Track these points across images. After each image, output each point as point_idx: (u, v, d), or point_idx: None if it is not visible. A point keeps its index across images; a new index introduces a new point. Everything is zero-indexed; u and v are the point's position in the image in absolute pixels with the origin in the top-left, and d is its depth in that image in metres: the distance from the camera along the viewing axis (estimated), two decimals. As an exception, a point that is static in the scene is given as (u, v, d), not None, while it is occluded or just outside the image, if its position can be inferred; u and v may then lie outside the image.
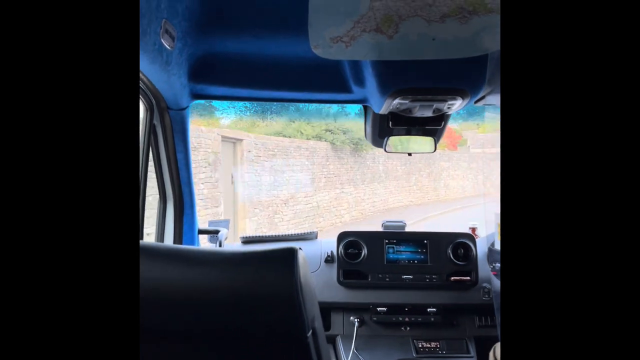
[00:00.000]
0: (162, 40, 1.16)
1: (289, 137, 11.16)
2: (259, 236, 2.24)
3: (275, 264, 0.75)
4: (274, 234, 2.34)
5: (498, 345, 1.46)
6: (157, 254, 0.78)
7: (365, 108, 1.93)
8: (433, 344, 1.91)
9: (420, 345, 1.90)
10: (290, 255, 0.74)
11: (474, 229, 2.26)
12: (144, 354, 0.75)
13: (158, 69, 1.27)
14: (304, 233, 2.25)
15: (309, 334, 0.76)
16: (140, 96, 1.50)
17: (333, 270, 2.01)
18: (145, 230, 1.68)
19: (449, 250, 1.98)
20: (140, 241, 0.82)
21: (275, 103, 2.05)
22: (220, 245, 1.92)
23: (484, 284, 1.96)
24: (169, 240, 1.85)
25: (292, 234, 2.25)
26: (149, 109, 1.57)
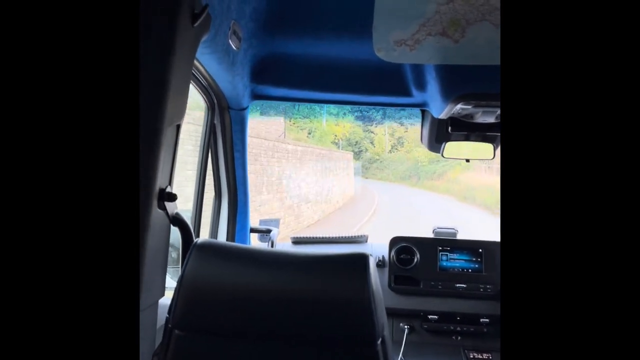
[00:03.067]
0: (230, 41, 1.18)
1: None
2: (310, 237, 2.25)
3: (348, 269, 0.75)
4: (323, 235, 2.34)
5: None
6: (230, 253, 0.79)
7: (423, 112, 1.90)
8: (485, 355, 1.86)
9: (471, 356, 1.86)
10: (362, 261, 0.74)
11: None
12: (217, 352, 0.76)
13: (224, 69, 1.29)
14: (355, 236, 2.24)
15: (379, 341, 0.75)
16: (203, 95, 1.53)
17: (384, 275, 1.99)
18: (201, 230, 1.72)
19: None
20: (213, 240, 0.83)
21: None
22: (272, 245, 1.93)
23: None
24: (222, 238, 1.88)
25: (343, 237, 2.25)
26: (211, 108, 1.60)
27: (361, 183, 21.55)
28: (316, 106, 1.88)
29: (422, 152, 24.05)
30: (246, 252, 0.80)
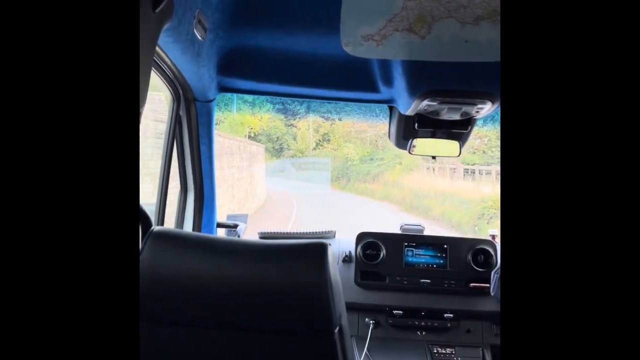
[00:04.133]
0: (195, 30, 1.16)
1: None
2: (277, 232, 2.24)
3: (305, 257, 0.75)
4: (291, 231, 2.33)
5: None
6: (188, 242, 0.78)
7: (391, 109, 1.91)
8: (448, 350, 1.89)
9: (435, 351, 1.88)
10: (321, 250, 0.74)
11: (494, 236, 2.23)
12: (172, 342, 0.75)
13: (188, 59, 1.27)
14: (322, 231, 2.24)
15: (336, 330, 0.75)
16: (168, 86, 1.50)
17: (350, 271, 2.00)
18: (165, 222, 1.69)
19: (469, 256, 1.96)
20: (171, 229, 0.82)
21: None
22: None
23: None
24: None
25: (310, 232, 2.25)
26: (176, 99, 1.57)
27: (282, 184, 18.53)
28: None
29: (352, 149, 21.80)
30: (203, 241, 0.79)
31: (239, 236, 1.97)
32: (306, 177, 19.81)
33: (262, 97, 1.98)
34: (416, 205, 14.62)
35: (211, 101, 1.68)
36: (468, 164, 16.24)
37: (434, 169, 16.98)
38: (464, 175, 16.10)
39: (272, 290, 0.73)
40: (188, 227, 1.85)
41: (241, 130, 19.57)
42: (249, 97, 2.02)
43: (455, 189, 14.29)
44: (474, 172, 15.90)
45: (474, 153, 16.80)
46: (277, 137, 24.11)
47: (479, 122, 2.03)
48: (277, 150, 23.64)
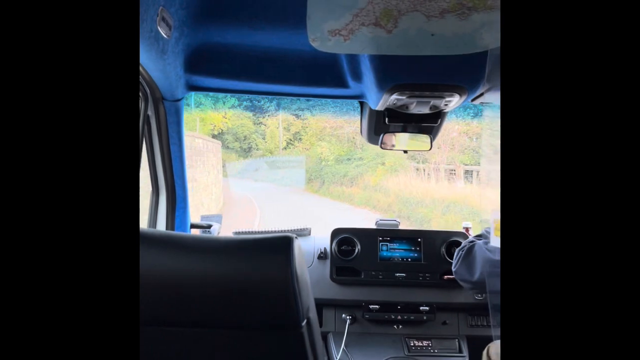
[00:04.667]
0: (159, 28, 1.14)
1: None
2: (252, 231, 2.23)
3: (271, 251, 0.74)
4: (267, 229, 2.32)
5: (492, 345, 1.45)
6: (152, 240, 0.77)
7: (362, 104, 1.92)
8: (425, 343, 1.90)
9: (412, 344, 1.89)
10: (286, 243, 0.73)
11: (467, 229, 2.25)
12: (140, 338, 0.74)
13: (154, 58, 1.25)
14: (298, 229, 2.24)
15: (304, 323, 0.75)
16: None
17: (326, 267, 2.00)
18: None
19: (443, 248, 1.98)
20: (141, 227, 0.81)
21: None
22: None
23: None
24: None
25: (286, 230, 2.24)
26: (144, 99, 1.55)
27: (248, 187, 16.04)
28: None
29: (327, 147, 18.54)
30: (168, 238, 0.78)
31: None
32: (275, 179, 17.70)
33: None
34: (407, 214, 12.18)
35: (179, 100, 1.66)
36: (467, 164, 13.91)
37: (424, 171, 14.63)
38: (465, 178, 13.37)
39: (239, 286, 0.73)
40: (161, 229, 1.83)
41: (203, 128, 18.06)
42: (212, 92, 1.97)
43: (458, 195, 11.80)
44: (471, 174, 13.21)
45: (476, 154, 14.12)
46: (245, 136, 21.60)
47: (466, 115, 2.04)
48: (245, 150, 20.97)
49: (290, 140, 22.38)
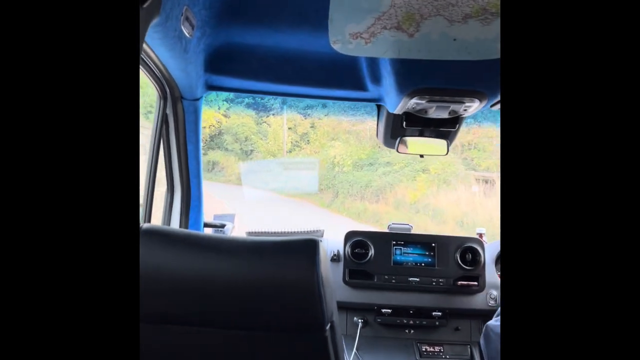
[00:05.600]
0: (182, 27, 1.15)
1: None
2: (266, 232, 2.23)
3: (297, 254, 0.74)
4: (279, 230, 2.32)
5: None
6: (176, 239, 0.77)
7: (379, 107, 1.91)
8: (437, 348, 1.90)
9: (423, 349, 1.89)
10: (312, 246, 0.73)
11: (481, 235, 2.24)
12: (165, 339, 0.74)
13: (176, 56, 1.26)
14: (311, 230, 2.23)
15: (328, 327, 0.74)
16: (155, 84, 1.48)
17: (339, 270, 1.99)
18: (152, 221, 1.67)
19: (457, 254, 1.97)
20: (160, 226, 0.81)
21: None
22: None
23: (491, 290, 1.95)
24: None
25: (298, 231, 2.24)
26: (163, 97, 1.55)
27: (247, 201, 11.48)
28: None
29: (342, 149, 13.93)
30: (193, 238, 0.78)
31: None
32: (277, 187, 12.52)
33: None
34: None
35: (198, 99, 1.66)
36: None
37: (488, 182, 9.70)
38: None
39: (263, 287, 0.73)
40: (175, 227, 1.83)
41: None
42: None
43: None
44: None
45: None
46: (246, 138, 17.40)
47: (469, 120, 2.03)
48: (246, 152, 17.11)
49: (297, 142, 17.41)
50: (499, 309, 1.51)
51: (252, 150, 17.51)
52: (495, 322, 1.51)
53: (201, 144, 1.80)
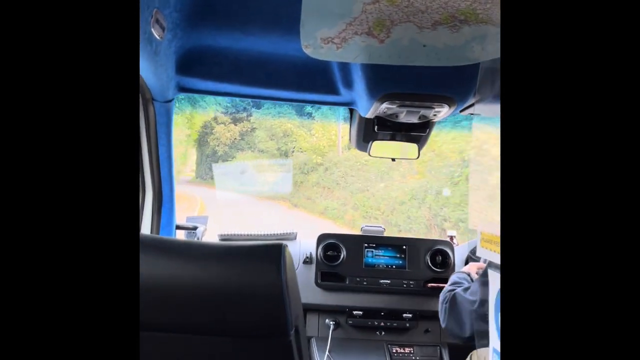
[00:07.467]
0: (152, 29, 1.14)
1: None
2: (238, 234, 2.22)
3: (261, 259, 0.74)
4: (252, 232, 2.32)
5: (474, 354, 1.47)
6: (146, 245, 0.76)
7: (351, 111, 1.93)
8: (407, 350, 1.92)
9: (394, 350, 1.91)
10: (277, 251, 0.74)
11: (452, 237, 2.27)
12: None
13: (146, 59, 1.25)
14: (284, 233, 2.24)
15: (292, 332, 0.75)
16: None
17: (311, 272, 2.00)
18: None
19: (427, 256, 2.00)
20: None
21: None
22: None
23: None
24: None
25: (271, 234, 2.24)
26: None
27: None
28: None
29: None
30: (158, 242, 0.77)
31: (198, 238, 1.95)
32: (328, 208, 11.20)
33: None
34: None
35: (170, 101, 1.65)
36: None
37: None
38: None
39: (229, 293, 0.73)
40: (146, 229, 1.82)
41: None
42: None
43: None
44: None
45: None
46: (285, 133, 14.10)
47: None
48: (285, 153, 13.49)
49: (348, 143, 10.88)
50: (472, 285, 1.52)
51: (292, 150, 14.03)
52: (463, 293, 1.53)
53: (173, 145, 1.79)
